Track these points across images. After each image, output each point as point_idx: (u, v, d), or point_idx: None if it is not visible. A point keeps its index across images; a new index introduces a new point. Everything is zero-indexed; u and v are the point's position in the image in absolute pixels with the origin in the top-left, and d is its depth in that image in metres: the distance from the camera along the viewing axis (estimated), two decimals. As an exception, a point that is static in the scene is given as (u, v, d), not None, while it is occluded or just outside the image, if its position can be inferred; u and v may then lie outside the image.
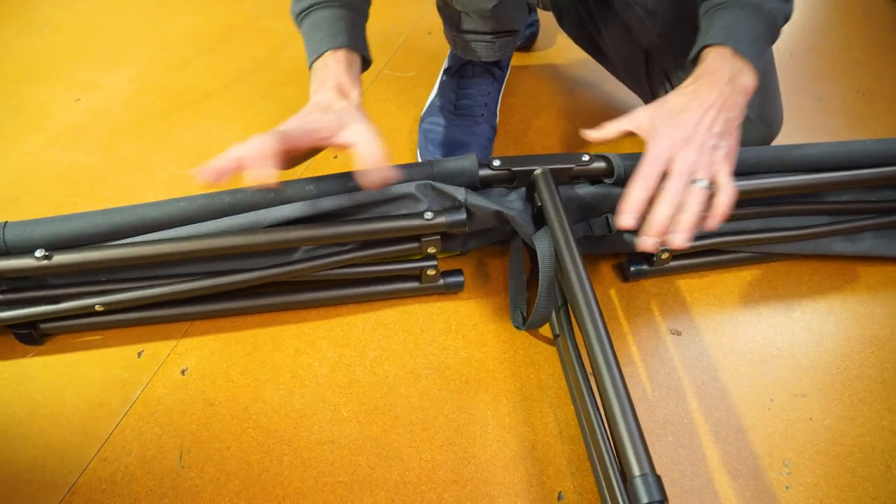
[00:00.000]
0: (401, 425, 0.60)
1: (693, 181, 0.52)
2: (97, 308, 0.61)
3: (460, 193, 0.61)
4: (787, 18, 0.63)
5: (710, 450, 0.60)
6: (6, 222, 0.58)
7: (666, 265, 0.72)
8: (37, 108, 0.96)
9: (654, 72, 0.84)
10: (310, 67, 0.62)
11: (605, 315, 0.70)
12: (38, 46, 1.09)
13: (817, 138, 0.92)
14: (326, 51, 0.60)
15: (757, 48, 0.60)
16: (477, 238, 0.71)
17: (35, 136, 0.91)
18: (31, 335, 0.64)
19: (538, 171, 0.64)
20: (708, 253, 0.73)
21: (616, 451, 0.48)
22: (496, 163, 0.64)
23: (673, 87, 0.81)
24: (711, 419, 0.62)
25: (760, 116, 0.78)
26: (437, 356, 0.66)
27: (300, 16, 0.64)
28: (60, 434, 0.59)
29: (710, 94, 0.56)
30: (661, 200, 0.52)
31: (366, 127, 0.54)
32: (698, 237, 0.71)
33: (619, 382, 0.49)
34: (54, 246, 0.57)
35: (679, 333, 0.69)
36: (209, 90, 0.99)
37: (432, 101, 0.89)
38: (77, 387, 0.62)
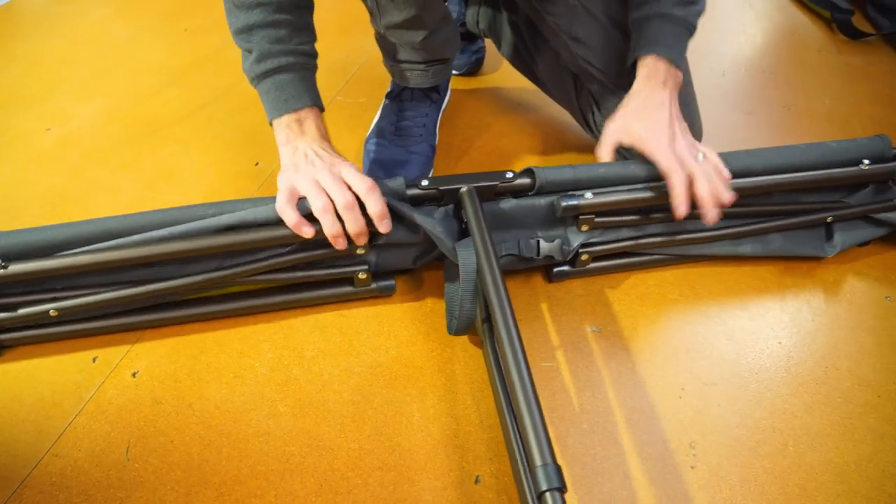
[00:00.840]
0: (332, 418, 0.65)
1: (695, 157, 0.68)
2: (52, 314, 0.66)
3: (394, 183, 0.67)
4: (700, 14, 0.74)
5: (622, 435, 0.65)
6: None
7: (586, 266, 0.78)
8: (10, 138, 1.02)
9: (582, 94, 0.90)
10: (271, 122, 0.69)
11: (531, 315, 0.76)
12: (13, 80, 1.15)
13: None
14: (301, 108, 0.68)
15: (679, 49, 0.74)
16: (425, 255, 0.77)
17: (8, 164, 0.97)
18: None
19: (464, 188, 0.70)
20: (625, 255, 0.79)
21: (522, 443, 0.53)
22: (424, 182, 0.70)
23: (599, 110, 0.88)
24: (625, 407, 0.67)
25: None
26: (370, 355, 0.71)
27: (259, 77, 0.69)
28: (15, 433, 0.63)
29: (660, 95, 0.71)
30: (696, 182, 0.67)
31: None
32: (613, 240, 0.77)
33: (527, 383, 0.54)
34: (9, 258, 0.63)
35: (599, 330, 0.75)
36: (174, 118, 1.05)
37: (376, 124, 0.95)
38: (33, 391, 0.67)
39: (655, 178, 0.72)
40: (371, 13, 0.81)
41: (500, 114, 1.07)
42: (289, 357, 0.70)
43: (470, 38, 1.14)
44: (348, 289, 0.74)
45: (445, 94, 1.00)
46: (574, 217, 0.73)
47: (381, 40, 0.86)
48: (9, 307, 0.66)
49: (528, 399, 0.53)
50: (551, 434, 0.63)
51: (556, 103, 1.00)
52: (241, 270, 0.67)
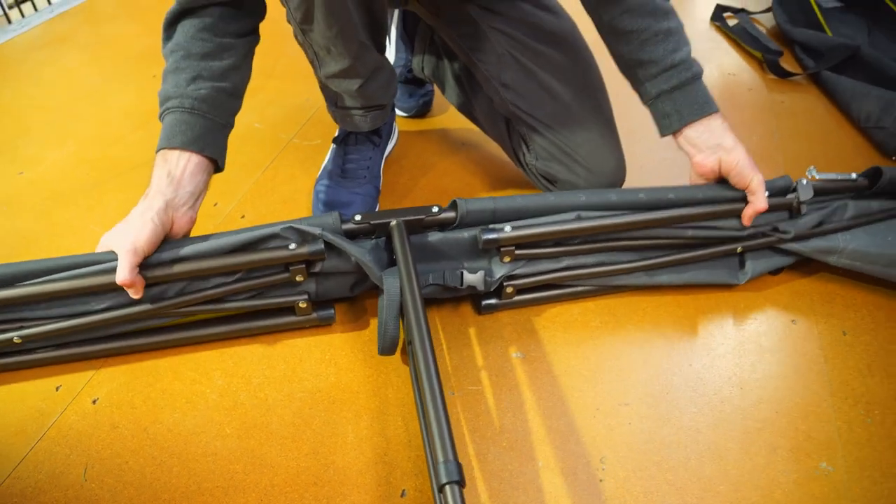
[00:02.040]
0: (274, 439, 0.71)
1: None
2: (16, 340, 0.72)
3: (317, 230, 0.74)
4: (690, 53, 0.83)
5: (538, 451, 0.72)
6: None
7: (512, 299, 0.85)
8: (-18, 183, 1.08)
9: (514, 136, 0.98)
10: (157, 151, 0.75)
11: (461, 342, 0.82)
12: (-10, 125, 1.22)
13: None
14: (167, 149, 0.74)
15: (709, 98, 0.83)
16: (361, 283, 0.84)
17: (-20, 206, 1.03)
18: None
19: (393, 222, 0.77)
20: (549, 287, 0.86)
21: (428, 444, 0.60)
22: (357, 217, 0.77)
23: (529, 150, 0.96)
24: (543, 426, 0.74)
25: (602, 172, 0.92)
26: (311, 381, 0.77)
27: (163, 112, 0.77)
28: (-19, 456, 0.69)
29: (737, 142, 0.83)
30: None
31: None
32: (536, 272, 0.84)
33: (435, 388, 0.61)
34: None
35: (524, 356, 0.82)
36: (138, 161, 1.12)
37: (324, 166, 1.02)
38: (2, 420, 0.73)
39: (571, 208, 0.80)
40: (312, 64, 0.88)
41: (445, 153, 1.15)
42: (237, 383, 0.77)
43: (418, 82, 1.22)
44: (290, 318, 0.80)
45: (389, 138, 1.08)
46: (497, 249, 0.80)
47: (324, 88, 0.94)
48: None
49: (435, 403, 0.60)
50: (472, 452, 0.69)
51: (495, 142, 1.08)
52: (190, 298, 0.74)
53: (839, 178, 0.90)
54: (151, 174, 0.74)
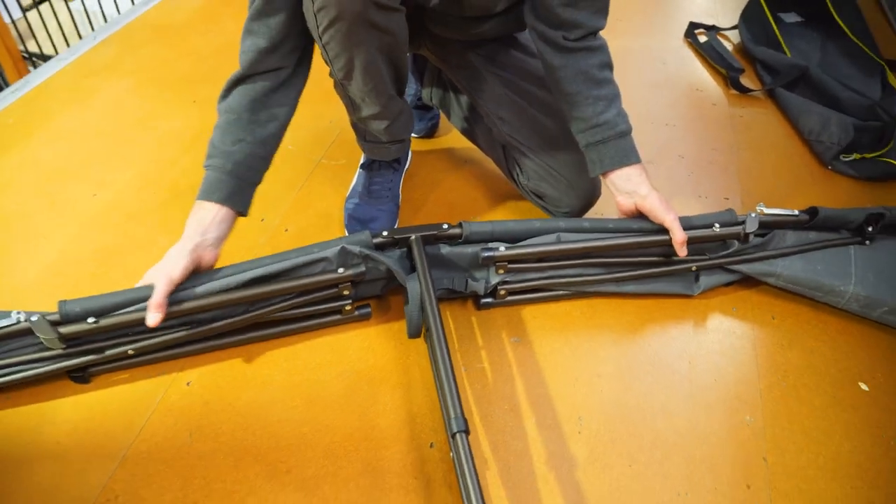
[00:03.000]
0: (331, 408, 0.94)
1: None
2: (129, 352, 0.94)
3: (356, 249, 0.96)
4: (628, 120, 1.02)
5: (526, 413, 0.94)
6: (63, 300, 0.88)
7: (504, 299, 1.07)
8: (65, 203, 1.29)
9: (509, 159, 1.20)
10: (196, 199, 0.95)
11: (466, 331, 1.05)
12: (61, 152, 1.42)
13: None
14: (204, 200, 0.94)
15: (635, 151, 1.03)
16: (388, 284, 1.05)
17: (68, 224, 1.24)
18: (83, 377, 0.96)
19: (412, 237, 0.99)
20: (533, 291, 1.08)
21: (444, 407, 0.82)
22: (384, 233, 0.99)
23: (522, 172, 1.17)
24: (532, 394, 0.96)
25: (580, 187, 1.13)
26: (355, 363, 0.99)
27: (205, 166, 0.96)
28: (109, 427, 0.91)
29: (652, 189, 1.02)
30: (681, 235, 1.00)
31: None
32: (524, 280, 1.05)
33: (447, 362, 0.84)
34: (99, 314, 0.89)
35: (518, 340, 1.04)
36: (193, 183, 1.31)
37: (353, 187, 1.24)
38: (118, 399, 0.95)
39: (552, 231, 1.02)
40: (348, 108, 1.09)
41: (450, 170, 1.37)
42: (298, 367, 0.99)
43: (427, 108, 1.43)
44: (337, 317, 1.02)
45: (406, 162, 1.29)
46: (493, 263, 1.02)
47: (355, 125, 1.14)
48: (97, 350, 0.92)
49: (447, 374, 0.83)
50: (478, 415, 0.92)
51: (488, 155, 1.30)
52: (265, 311, 0.95)
53: (783, 213, 1.09)
54: (190, 215, 0.95)
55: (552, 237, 1.02)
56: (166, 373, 0.98)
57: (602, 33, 1.02)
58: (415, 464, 0.88)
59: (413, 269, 0.99)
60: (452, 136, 1.46)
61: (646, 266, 1.08)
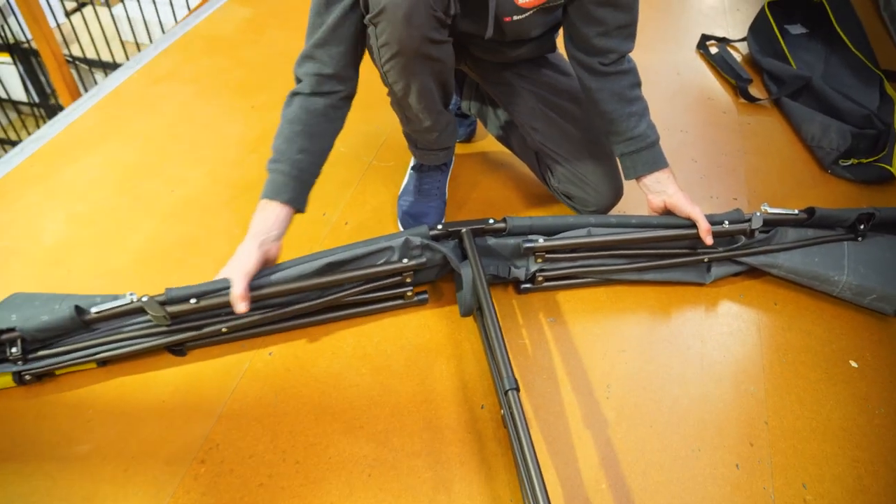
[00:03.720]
0: (395, 375, 1.10)
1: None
2: (223, 330, 1.09)
3: (417, 241, 1.12)
4: (652, 125, 1.18)
5: (562, 381, 1.10)
6: (169, 287, 1.03)
7: (541, 285, 1.23)
8: (149, 197, 1.46)
9: (542, 164, 1.35)
10: (261, 197, 1.08)
11: (508, 311, 1.20)
12: (138, 153, 1.59)
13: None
14: (263, 199, 1.07)
15: (663, 158, 1.18)
16: (441, 271, 1.21)
17: (153, 215, 1.41)
18: (181, 350, 1.12)
19: (463, 230, 1.15)
20: (566, 278, 1.23)
21: (496, 370, 0.98)
22: (439, 227, 1.15)
23: (553, 175, 1.33)
24: (566, 365, 1.12)
25: (607, 188, 1.29)
26: (414, 339, 1.16)
27: (268, 171, 1.09)
28: (205, 391, 1.07)
29: (678, 189, 1.17)
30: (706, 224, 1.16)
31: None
32: (559, 268, 1.20)
33: (498, 334, 0.99)
34: (198, 297, 1.04)
35: (554, 320, 1.20)
36: (256, 180, 1.47)
37: (405, 185, 1.40)
38: (210, 368, 1.11)
39: (584, 226, 1.17)
40: (402, 121, 1.25)
41: (488, 172, 1.53)
42: (364, 342, 1.15)
43: (465, 116, 1.59)
44: (399, 301, 1.19)
45: (451, 165, 1.45)
46: (532, 253, 1.17)
47: (408, 136, 1.30)
48: (196, 328, 1.08)
49: (498, 341, 0.99)
50: (520, 382, 1.08)
51: (521, 160, 1.46)
52: (336, 297, 1.12)
53: (785, 212, 1.23)
54: (255, 212, 1.08)
55: (583, 231, 1.17)
56: (250, 346, 1.15)
57: None
58: (468, 422, 1.04)
59: (464, 257, 1.15)
60: (488, 141, 1.62)
61: (664, 257, 1.23)
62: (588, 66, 1.14)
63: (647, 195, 1.21)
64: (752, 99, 1.80)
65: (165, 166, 1.55)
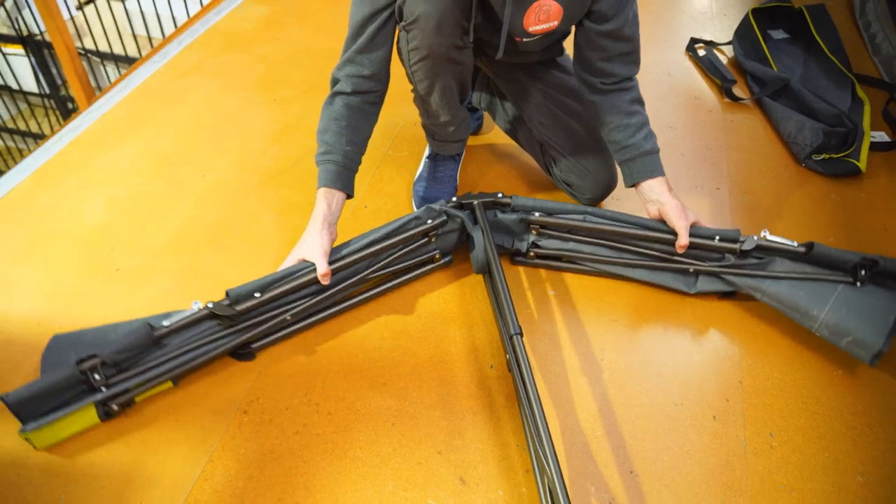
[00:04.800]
0: (413, 339, 1.24)
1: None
2: (287, 318, 1.19)
3: (439, 205, 1.28)
4: (655, 138, 1.29)
5: (565, 342, 1.24)
6: (229, 289, 1.12)
7: (533, 260, 1.36)
8: (181, 183, 1.59)
9: (546, 155, 1.49)
10: (318, 188, 1.22)
11: (513, 282, 1.34)
12: (169, 142, 1.72)
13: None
14: (322, 187, 1.21)
15: (659, 166, 1.27)
16: (459, 240, 1.35)
17: (186, 199, 1.54)
18: (251, 353, 1.20)
19: (475, 202, 1.30)
20: (559, 259, 1.36)
21: (502, 319, 1.13)
22: (454, 199, 1.31)
23: (556, 165, 1.47)
24: (567, 330, 1.26)
25: (602, 177, 1.43)
26: (430, 307, 1.30)
27: (318, 163, 1.22)
28: (239, 383, 1.21)
29: (672, 198, 1.25)
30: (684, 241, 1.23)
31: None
32: (551, 248, 1.34)
33: (505, 290, 1.14)
34: (261, 291, 1.15)
35: (556, 293, 1.34)
36: (281, 169, 1.63)
37: (420, 172, 1.54)
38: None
39: (579, 213, 1.30)
40: (422, 115, 1.39)
41: (495, 161, 1.67)
42: (387, 311, 1.29)
43: (474, 109, 1.73)
44: (430, 266, 1.33)
45: (462, 154, 1.59)
46: (528, 226, 1.31)
47: (426, 128, 1.44)
48: (261, 322, 1.17)
49: (505, 295, 1.14)
50: (527, 343, 1.22)
51: (531, 155, 1.60)
52: (385, 264, 1.26)
53: (783, 242, 1.23)
54: (317, 201, 1.21)
55: (580, 217, 1.31)
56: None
57: None
58: (479, 380, 1.18)
59: (475, 223, 1.29)
60: (495, 133, 1.76)
61: (651, 258, 1.30)
62: (590, 84, 1.28)
63: (644, 203, 1.29)
64: (735, 98, 1.94)
65: (195, 154, 1.68)
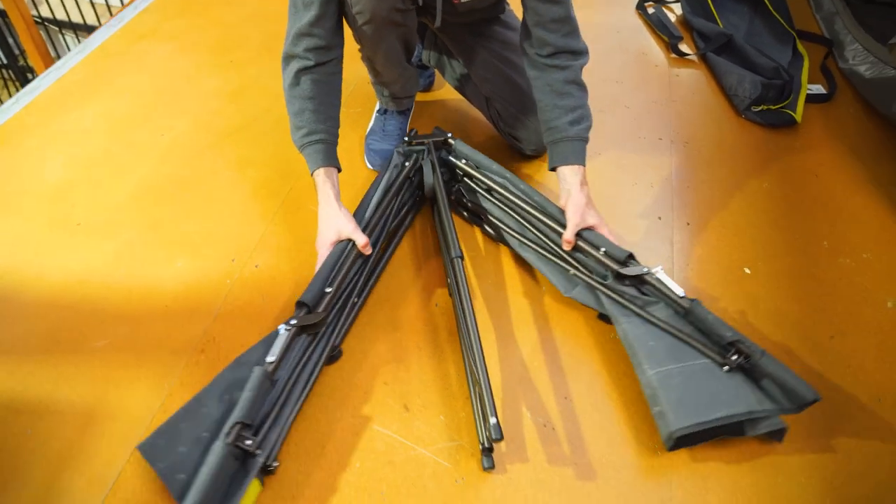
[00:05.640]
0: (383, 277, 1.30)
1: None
2: (356, 300, 1.22)
3: (403, 148, 1.38)
4: (589, 128, 1.26)
5: (508, 284, 1.31)
6: (299, 299, 1.12)
7: (455, 206, 1.43)
8: (140, 142, 1.63)
9: (492, 109, 1.55)
10: (312, 173, 1.23)
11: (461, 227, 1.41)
12: (128, 105, 1.75)
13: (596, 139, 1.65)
14: (321, 167, 1.23)
15: (582, 156, 1.25)
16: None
17: (145, 158, 1.58)
18: (339, 352, 1.17)
19: (429, 141, 1.39)
20: (471, 212, 1.41)
21: (445, 245, 1.20)
22: (409, 137, 1.39)
23: (502, 119, 1.52)
24: (511, 274, 1.33)
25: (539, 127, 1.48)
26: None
27: (304, 146, 1.23)
28: (203, 294, 1.27)
29: (585, 192, 1.22)
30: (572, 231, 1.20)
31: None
32: (470, 200, 1.40)
33: (449, 219, 1.24)
34: (328, 283, 1.16)
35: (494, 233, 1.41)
36: (238, 126, 1.67)
37: (371, 127, 1.59)
38: (208, 277, 1.30)
39: (502, 175, 1.35)
40: (370, 73, 1.44)
41: (446, 117, 1.72)
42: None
43: (425, 67, 1.78)
44: (420, 205, 1.45)
45: (412, 109, 1.64)
46: (454, 173, 1.41)
47: (375, 84, 1.50)
48: (337, 314, 1.17)
49: (448, 221, 1.24)
50: (471, 286, 1.28)
51: (475, 107, 1.65)
52: (391, 220, 1.36)
53: (669, 286, 1.11)
54: (320, 182, 1.23)
55: (501, 180, 1.35)
56: (239, 260, 1.34)
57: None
58: (425, 318, 1.25)
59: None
60: (445, 91, 1.81)
61: (543, 247, 1.29)
62: (529, 57, 1.29)
63: (560, 189, 1.26)
64: (681, 54, 2.01)
65: (153, 115, 1.72)
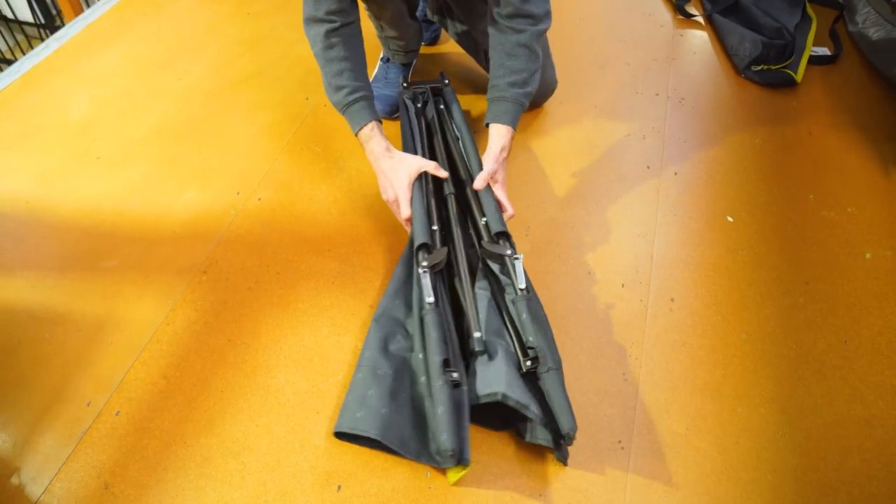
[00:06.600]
0: (357, 215, 1.38)
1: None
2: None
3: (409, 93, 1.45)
4: (530, 95, 1.29)
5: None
6: (413, 246, 1.16)
7: None
8: (160, 84, 1.72)
9: (488, 61, 1.61)
10: (361, 128, 1.24)
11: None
12: (149, 50, 1.84)
13: (594, 93, 1.69)
14: (370, 121, 1.24)
15: (514, 117, 1.28)
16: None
17: (164, 98, 1.67)
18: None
19: (428, 86, 1.48)
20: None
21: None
22: (404, 85, 1.46)
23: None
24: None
25: (542, 81, 1.54)
26: (374, 189, 1.44)
27: (349, 104, 1.24)
28: (208, 221, 1.36)
29: (500, 151, 1.26)
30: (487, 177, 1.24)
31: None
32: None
33: (422, 133, 1.28)
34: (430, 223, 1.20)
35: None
36: (252, 73, 1.75)
37: (375, 74, 1.66)
38: (214, 207, 1.39)
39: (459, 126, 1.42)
40: (376, 28, 1.52)
41: (448, 69, 1.78)
42: (335, 191, 1.43)
43: (430, 22, 1.84)
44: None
45: (414, 61, 1.71)
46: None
47: (382, 39, 1.57)
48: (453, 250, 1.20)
49: (421, 135, 1.28)
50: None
51: (477, 62, 1.71)
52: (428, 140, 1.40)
53: (517, 273, 1.12)
54: (374, 135, 1.25)
55: (456, 131, 1.42)
56: (244, 193, 1.43)
57: None
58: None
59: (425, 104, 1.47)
60: (449, 44, 1.87)
61: (463, 200, 1.31)
62: (490, 12, 1.31)
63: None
64: (687, 15, 2.03)
65: (173, 60, 1.81)
